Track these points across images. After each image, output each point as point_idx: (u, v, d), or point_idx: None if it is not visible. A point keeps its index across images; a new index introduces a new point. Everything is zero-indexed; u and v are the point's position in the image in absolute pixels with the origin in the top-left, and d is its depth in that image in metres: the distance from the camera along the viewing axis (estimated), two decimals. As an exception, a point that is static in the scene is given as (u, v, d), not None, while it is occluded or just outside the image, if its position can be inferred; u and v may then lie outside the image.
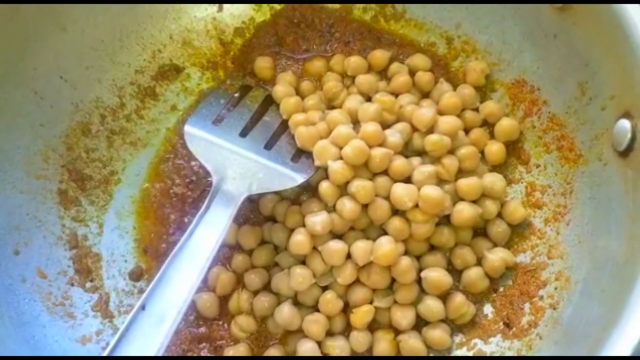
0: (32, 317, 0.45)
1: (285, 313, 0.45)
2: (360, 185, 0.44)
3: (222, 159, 0.48)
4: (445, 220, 0.47)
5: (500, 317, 0.45)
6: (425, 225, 0.45)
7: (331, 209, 0.46)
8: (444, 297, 0.46)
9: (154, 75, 0.56)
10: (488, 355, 0.44)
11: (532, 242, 0.47)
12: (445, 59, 0.55)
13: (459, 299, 0.45)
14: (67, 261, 0.49)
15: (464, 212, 0.45)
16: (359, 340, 0.44)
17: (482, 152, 0.50)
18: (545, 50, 0.48)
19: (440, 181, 0.47)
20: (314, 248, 0.45)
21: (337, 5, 0.57)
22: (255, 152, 0.48)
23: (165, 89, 0.56)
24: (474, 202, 0.47)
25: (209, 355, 0.47)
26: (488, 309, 0.46)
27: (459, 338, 0.46)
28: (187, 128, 0.49)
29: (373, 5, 0.56)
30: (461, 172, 0.48)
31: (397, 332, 0.45)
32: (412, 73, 0.53)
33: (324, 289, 0.46)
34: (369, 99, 0.51)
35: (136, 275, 0.50)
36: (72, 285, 0.48)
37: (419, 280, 0.45)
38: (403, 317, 0.44)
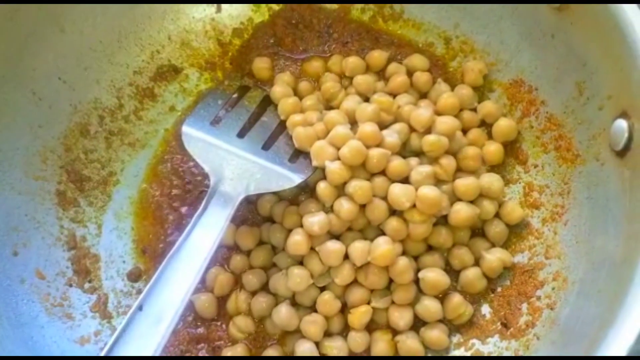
0: (30, 318, 0.45)
1: (283, 313, 0.45)
2: (357, 186, 0.44)
3: (219, 159, 0.48)
4: (442, 220, 0.47)
5: (497, 318, 0.45)
6: (423, 226, 0.45)
7: (329, 209, 0.46)
8: (442, 297, 0.46)
9: (153, 76, 0.56)
10: (486, 355, 0.44)
11: (530, 242, 0.47)
12: (443, 59, 0.55)
13: (456, 299, 0.45)
14: (65, 262, 0.49)
15: (462, 212, 0.45)
16: (357, 341, 0.44)
17: (480, 153, 0.50)
18: (543, 50, 0.48)
19: (437, 181, 0.47)
20: (312, 248, 0.45)
21: (335, 6, 0.57)
22: (253, 153, 0.48)
23: (163, 89, 0.56)
24: (472, 202, 0.47)
25: (207, 355, 0.47)
26: (486, 309, 0.46)
27: (456, 338, 0.46)
28: (185, 129, 0.49)
29: (371, 6, 0.56)
30: (459, 172, 0.48)
31: (394, 332, 0.45)
32: (410, 73, 0.53)
33: (322, 289, 0.46)
34: (366, 99, 0.51)
35: (134, 276, 0.50)
36: (71, 286, 0.48)
37: (416, 281, 0.45)
38: (401, 317, 0.44)
